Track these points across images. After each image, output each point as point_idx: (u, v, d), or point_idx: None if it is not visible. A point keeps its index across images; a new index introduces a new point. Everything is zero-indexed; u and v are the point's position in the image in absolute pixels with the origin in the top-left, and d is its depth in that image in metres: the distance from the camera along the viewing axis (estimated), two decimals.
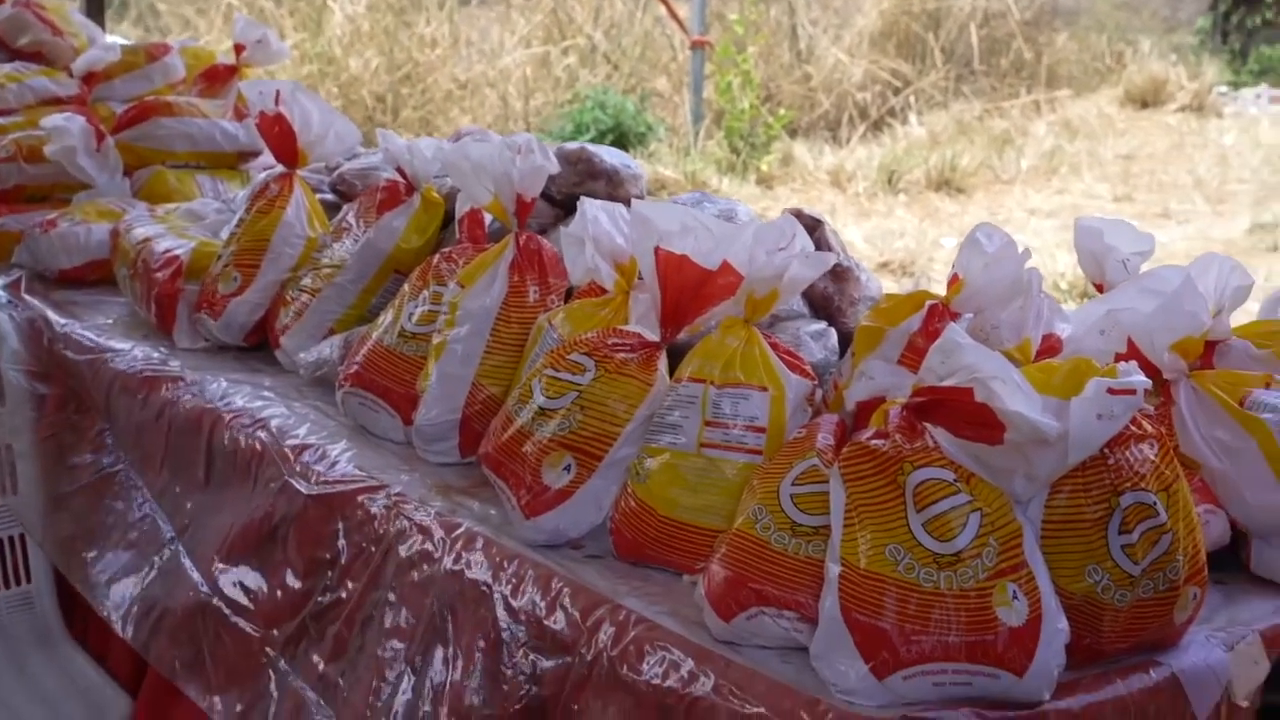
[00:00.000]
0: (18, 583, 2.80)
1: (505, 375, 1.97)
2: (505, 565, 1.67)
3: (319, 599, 1.92)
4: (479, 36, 11.83)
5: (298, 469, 2.00)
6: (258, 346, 2.50)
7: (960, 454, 1.40)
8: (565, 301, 2.01)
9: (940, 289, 1.81)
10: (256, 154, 3.36)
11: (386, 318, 2.15)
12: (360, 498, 1.89)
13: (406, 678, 1.74)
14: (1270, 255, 8.38)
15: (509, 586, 1.65)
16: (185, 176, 3.29)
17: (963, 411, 1.38)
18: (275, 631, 1.97)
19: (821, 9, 12.36)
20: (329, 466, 1.98)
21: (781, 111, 10.74)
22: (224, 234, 2.64)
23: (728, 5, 11.70)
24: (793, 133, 10.97)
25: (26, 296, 2.89)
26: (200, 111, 3.36)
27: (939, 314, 1.76)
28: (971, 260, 1.74)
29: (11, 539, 2.78)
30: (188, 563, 2.19)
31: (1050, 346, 1.81)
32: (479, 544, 1.72)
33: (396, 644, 1.77)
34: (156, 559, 2.28)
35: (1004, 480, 1.40)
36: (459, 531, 1.75)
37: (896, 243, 8.44)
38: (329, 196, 2.71)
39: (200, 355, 2.50)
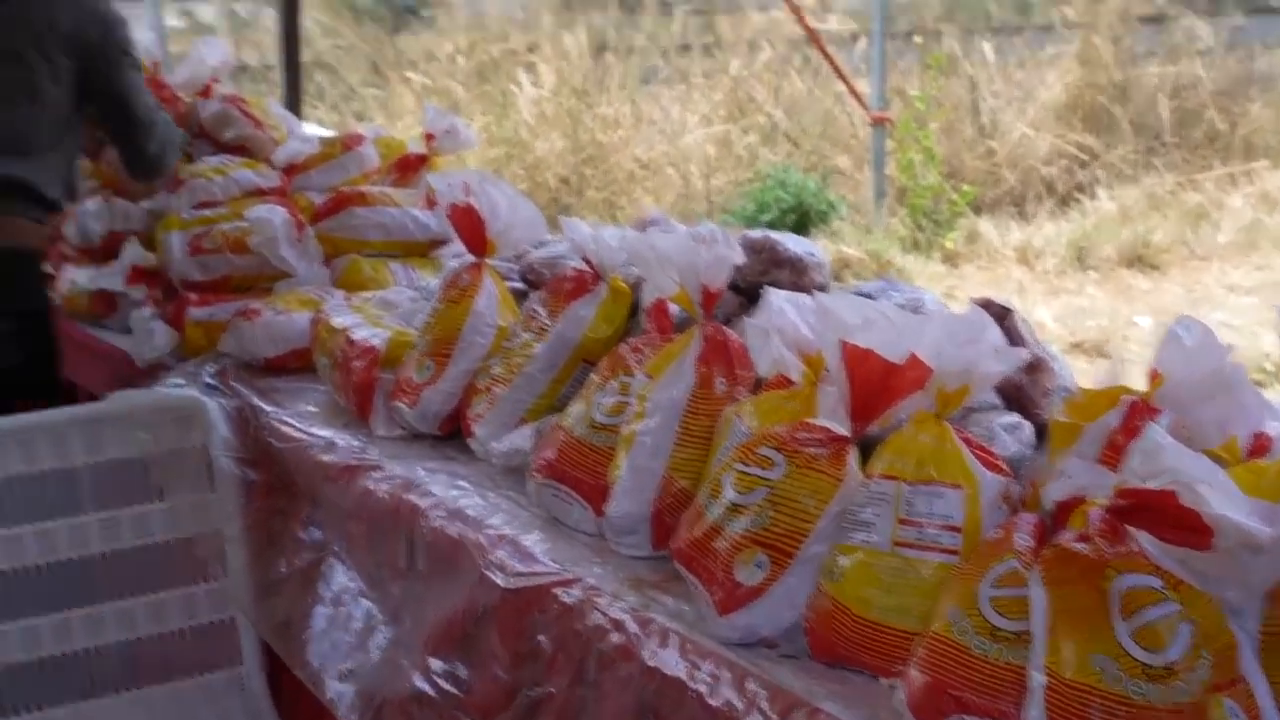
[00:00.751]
0: (229, 665, 2.87)
1: (695, 468, 1.96)
2: (699, 664, 1.67)
3: (528, 692, 1.92)
4: (660, 116, 11.96)
5: (494, 560, 2.03)
6: (452, 435, 2.53)
7: (1167, 560, 1.36)
8: (753, 393, 2.01)
9: (1135, 370, 1.76)
10: (447, 241, 3.42)
11: (576, 408, 2.17)
12: (555, 590, 1.91)
13: None
14: None
15: (705, 686, 1.64)
16: (379, 264, 3.37)
17: (1167, 516, 1.34)
18: None
19: (1004, 82, 12.19)
20: (524, 559, 2.01)
21: (965, 188, 10.60)
22: (417, 322, 2.71)
23: (908, 81, 11.63)
24: (977, 209, 10.80)
25: (234, 384, 2.99)
26: (393, 201, 3.45)
27: (1139, 411, 1.71)
28: (1171, 355, 1.69)
29: (223, 621, 2.86)
30: (400, 651, 2.22)
31: (1260, 445, 1.74)
32: (673, 641, 1.72)
33: None
34: (372, 646, 2.32)
35: (1215, 588, 1.35)
36: (653, 627, 1.76)
37: (1088, 322, 8.22)
38: (518, 285, 2.76)
39: (397, 443, 2.55)
